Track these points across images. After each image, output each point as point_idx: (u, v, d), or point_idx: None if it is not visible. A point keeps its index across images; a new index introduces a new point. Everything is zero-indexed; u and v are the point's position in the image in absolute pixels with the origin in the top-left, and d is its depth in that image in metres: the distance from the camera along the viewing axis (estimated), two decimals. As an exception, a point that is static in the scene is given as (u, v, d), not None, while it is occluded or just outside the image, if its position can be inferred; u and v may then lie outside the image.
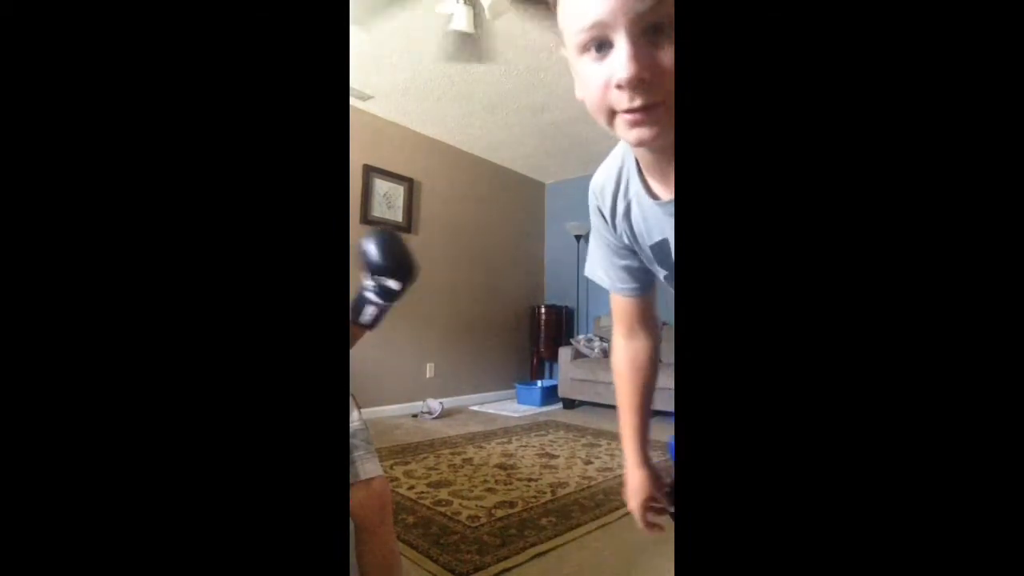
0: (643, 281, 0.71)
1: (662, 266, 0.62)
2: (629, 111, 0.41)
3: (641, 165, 0.56)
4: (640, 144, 0.44)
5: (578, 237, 4.28)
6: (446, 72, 2.83)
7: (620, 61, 0.39)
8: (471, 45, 2.41)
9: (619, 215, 0.62)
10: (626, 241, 0.65)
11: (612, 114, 0.42)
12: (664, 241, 0.58)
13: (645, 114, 0.41)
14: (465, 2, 2.04)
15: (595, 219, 0.68)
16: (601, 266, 0.72)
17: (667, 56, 0.38)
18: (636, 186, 0.57)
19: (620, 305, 0.75)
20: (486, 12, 1.99)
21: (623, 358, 0.79)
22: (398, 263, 0.94)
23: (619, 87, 0.40)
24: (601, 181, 0.64)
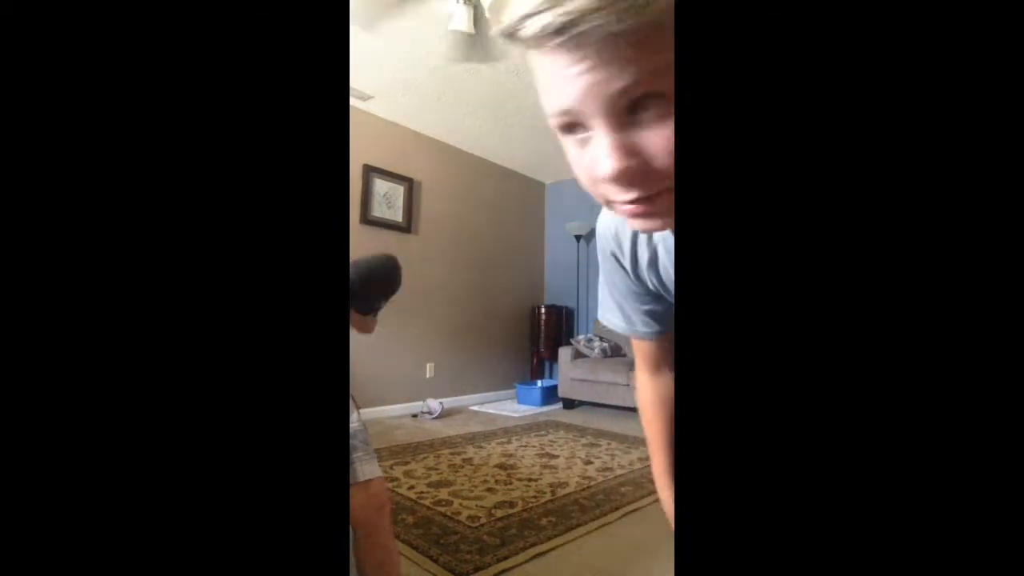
0: (667, 321, 0.66)
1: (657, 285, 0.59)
2: (624, 203, 0.36)
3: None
4: (647, 232, 0.39)
5: (578, 237, 4.28)
6: (446, 72, 2.83)
7: (600, 154, 0.33)
8: (471, 45, 2.41)
9: (643, 265, 0.58)
10: (651, 288, 0.60)
11: (609, 203, 0.37)
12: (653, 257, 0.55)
13: (643, 206, 0.35)
14: (465, 2, 2.04)
15: (608, 264, 0.63)
16: (619, 312, 0.67)
17: (659, 138, 0.32)
18: (659, 233, 0.51)
19: (644, 347, 0.71)
20: (486, 12, 2.00)
21: (650, 397, 0.74)
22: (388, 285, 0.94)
23: (604, 182, 0.34)
24: (614, 227, 0.59)
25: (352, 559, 0.88)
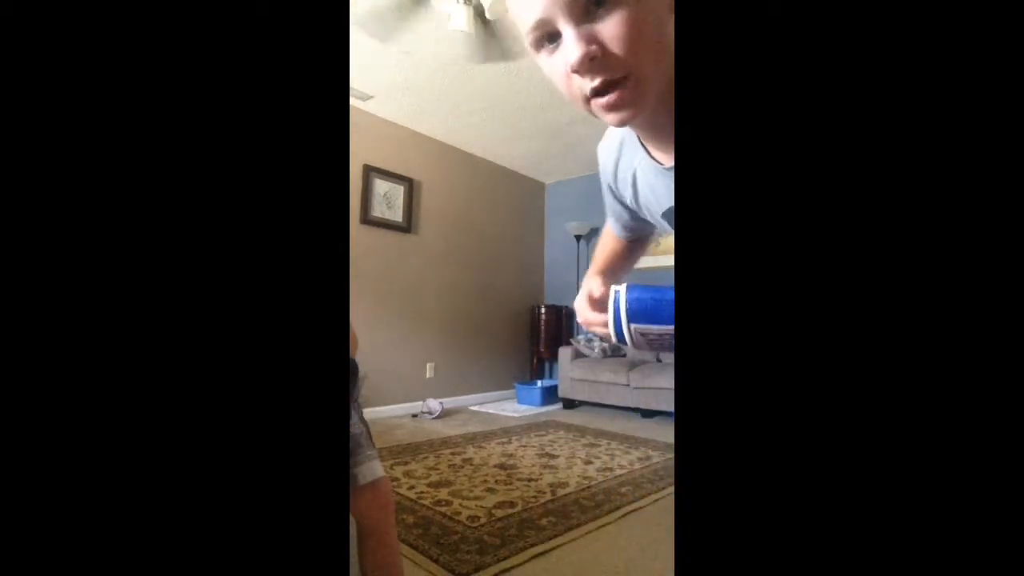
0: (634, 229, 0.74)
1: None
2: (595, 94, 0.41)
3: (640, 136, 0.55)
4: (622, 124, 0.44)
5: (578, 237, 4.28)
6: (446, 72, 2.83)
7: (567, 48, 0.39)
8: (471, 45, 2.41)
9: (621, 182, 0.63)
10: (630, 205, 0.66)
11: (586, 100, 0.42)
12: (672, 208, 0.57)
13: (613, 94, 0.40)
14: (465, 2, 2.04)
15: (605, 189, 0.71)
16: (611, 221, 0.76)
17: (615, 27, 0.38)
18: (640, 155, 0.56)
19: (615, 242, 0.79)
20: (486, 12, 1.99)
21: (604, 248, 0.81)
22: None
23: (575, 73, 0.40)
24: (607, 157, 0.65)
25: (353, 559, 0.88)
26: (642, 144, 0.56)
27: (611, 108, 0.42)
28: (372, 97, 3.17)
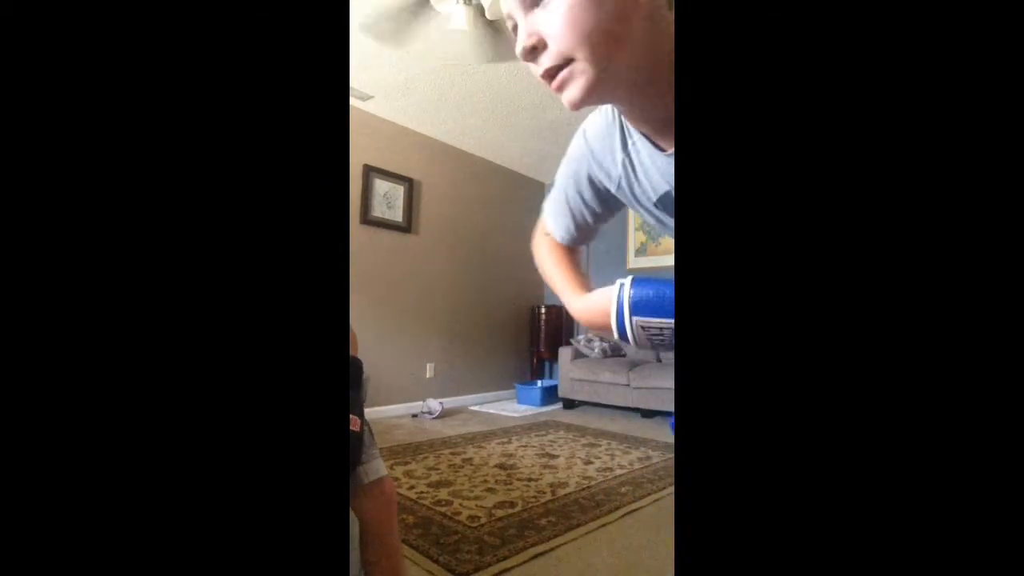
0: (584, 236, 0.74)
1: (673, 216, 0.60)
2: (545, 77, 0.44)
3: (632, 123, 0.55)
4: (574, 105, 0.45)
5: (578, 237, 4.27)
6: (446, 72, 2.83)
7: (519, 37, 0.43)
8: (471, 45, 2.41)
9: (607, 166, 0.61)
10: (610, 193, 0.64)
11: (543, 79, 0.45)
12: (667, 192, 0.56)
13: (562, 76, 0.43)
14: (465, 2, 2.04)
15: (572, 167, 0.68)
16: (563, 221, 0.74)
17: (554, 17, 0.41)
18: (636, 139, 0.56)
19: (562, 250, 0.77)
20: (486, 12, 1.99)
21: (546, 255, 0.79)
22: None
23: (525, 60, 0.44)
24: (593, 133, 0.63)
25: (353, 559, 0.88)
26: (639, 131, 0.55)
27: (559, 90, 0.44)
28: (372, 97, 3.17)
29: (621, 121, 0.57)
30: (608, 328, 0.53)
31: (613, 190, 0.64)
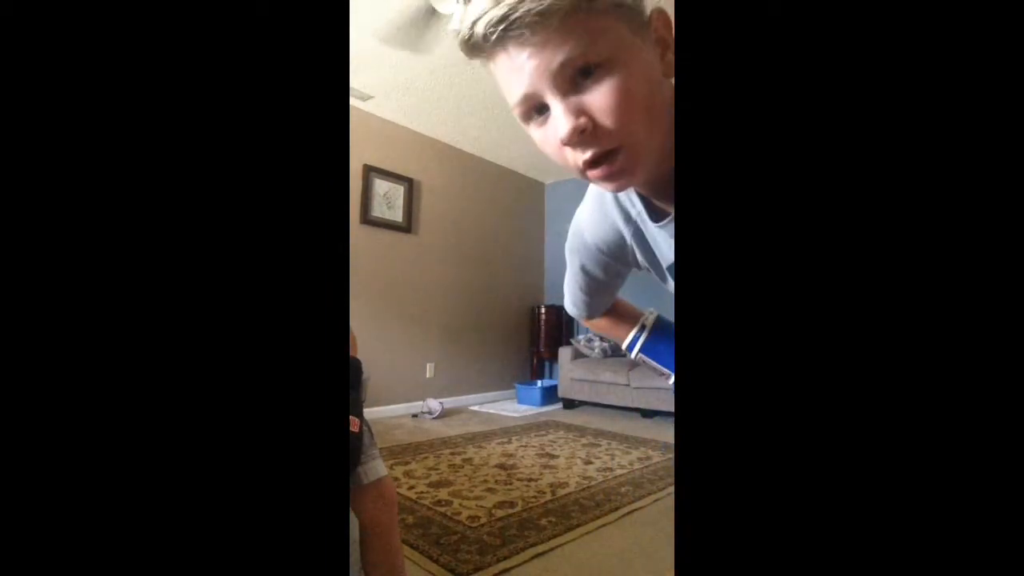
0: (599, 305, 0.72)
1: None
2: (588, 165, 0.40)
3: (639, 193, 0.53)
4: (619, 191, 0.43)
5: (578, 237, 4.28)
6: (446, 72, 2.83)
7: (557, 121, 0.38)
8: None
9: (614, 242, 0.60)
10: (637, 263, 0.63)
11: (581, 171, 0.41)
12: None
13: (607, 165, 0.40)
14: (465, 2, 2.04)
15: (577, 254, 0.67)
16: (581, 301, 0.72)
17: (604, 98, 0.37)
18: (638, 210, 0.55)
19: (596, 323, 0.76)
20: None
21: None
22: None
23: (567, 146, 0.39)
24: (590, 216, 0.62)
25: (352, 559, 0.88)
26: (640, 198, 0.54)
27: (606, 179, 0.41)
28: (372, 97, 3.17)
29: (614, 197, 0.56)
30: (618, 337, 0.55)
31: (629, 260, 0.63)
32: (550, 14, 0.35)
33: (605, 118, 0.38)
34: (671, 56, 0.41)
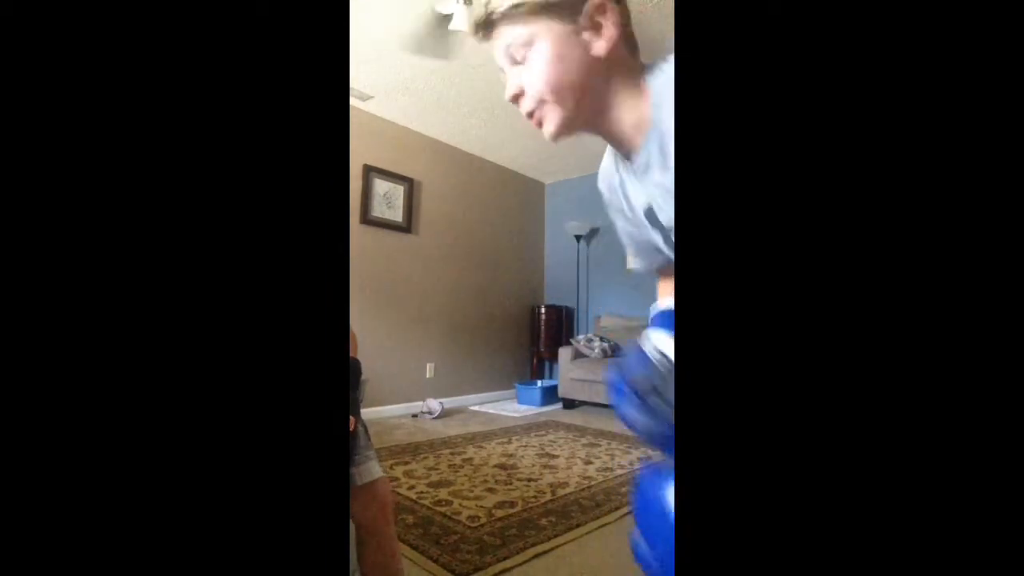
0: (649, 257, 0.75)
1: (658, 230, 0.62)
2: (527, 117, 0.56)
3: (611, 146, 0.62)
4: (551, 138, 0.57)
5: (578, 237, 4.28)
6: (446, 72, 2.83)
7: (507, 86, 0.54)
8: (471, 45, 2.41)
9: (618, 191, 0.67)
10: (628, 215, 0.68)
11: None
12: (650, 208, 0.61)
13: (538, 115, 0.55)
14: (465, 2, 2.04)
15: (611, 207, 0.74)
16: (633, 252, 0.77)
17: (528, 71, 0.53)
18: (619, 161, 0.63)
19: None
20: (486, 12, 1.99)
21: None
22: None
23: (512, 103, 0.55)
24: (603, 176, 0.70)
25: (352, 560, 0.88)
26: (615, 155, 0.62)
27: (538, 125, 0.56)
28: (372, 97, 3.17)
29: (609, 150, 0.65)
30: None
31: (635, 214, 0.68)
32: (510, 10, 0.51)
33: (530, 84, 0.53)
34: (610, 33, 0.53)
